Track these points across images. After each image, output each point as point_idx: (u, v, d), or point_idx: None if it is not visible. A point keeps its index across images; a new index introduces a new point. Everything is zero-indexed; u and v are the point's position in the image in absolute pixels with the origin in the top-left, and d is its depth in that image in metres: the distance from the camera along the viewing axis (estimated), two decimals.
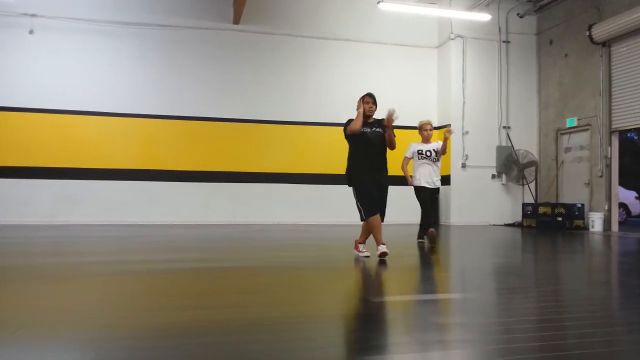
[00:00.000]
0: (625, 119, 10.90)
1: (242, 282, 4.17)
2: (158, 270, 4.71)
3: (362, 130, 5.41)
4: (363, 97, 5.56)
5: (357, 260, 5.28)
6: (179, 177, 11.75)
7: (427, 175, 6.88)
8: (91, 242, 7.34)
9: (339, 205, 11.06)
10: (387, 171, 5.54)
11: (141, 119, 11.65)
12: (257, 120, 12.26)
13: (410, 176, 6.96)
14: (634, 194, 17.56)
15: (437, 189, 7.04)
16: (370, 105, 5.51)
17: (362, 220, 5.44)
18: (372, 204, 5.30)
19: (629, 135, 28.42)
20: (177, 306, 3.13)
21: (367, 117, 5.51)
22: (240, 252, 6.44)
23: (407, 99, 13.00)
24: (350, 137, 5.50)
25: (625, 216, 16.53)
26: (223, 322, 2.70)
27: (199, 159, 11.92)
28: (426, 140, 7.03)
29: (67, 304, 3.19)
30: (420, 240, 6.98)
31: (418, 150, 6.95)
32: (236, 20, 12.01)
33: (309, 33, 12.65)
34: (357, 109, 5.49)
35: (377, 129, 5.50)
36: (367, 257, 5.34)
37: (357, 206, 5.42)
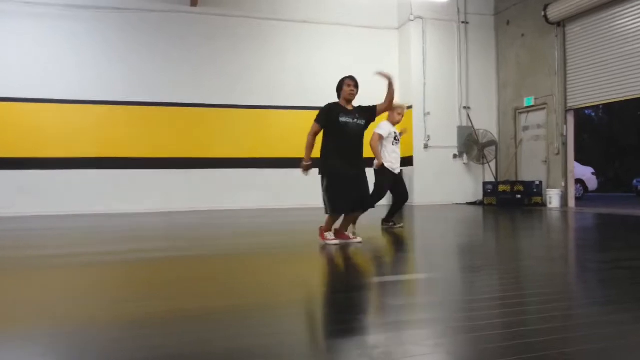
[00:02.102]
0: (579, 98, 11.18)
1: (202, 270, 4.12)
2: (117, 261, 4.60)
3: (342, 120, 4.97)
4: (344, 80, 5.14)
5: (322, 246, 5.18)
6: (138, 164, 11.50)
7: (399, 161, 6.78)
8: (51, 234, 7.12)
9: (303, 189, 11.04)
10: (363, 165, 5.15)
11: (99, 106, 11.32)
12: (214, 104, 12.07)
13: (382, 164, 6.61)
14: (590, 170, 18.09)
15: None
16: (352, 88, 5.10)
17: (326, 213, 5.09)
18: (341, 202, 4.97)
19: (587, 112, 29.27)
20: (136, 297, 3.07)
21: (347, 102, 5.13)
22: (201, 240, 6.36)
23: (368, 81, 13.00)
24: (328, 126, 5.02)
25: (582, 192, 17.05)
26: (183, 311, 2.65)
27: (159, 146, 11.69)
28: (396, 124, 6.78)
29: (23, 298, 3.08)
30: (389, 224, 6.93)
31: (394, 134, 6.66)
32: (194, 2, 11.74)
33: (267, 15, 12.47)
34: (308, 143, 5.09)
35: (359, 121, 5.07)
36: (337, 245, 5.05)
37: (324, 199, 5.04)
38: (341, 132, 5.00)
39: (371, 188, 5.56)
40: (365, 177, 5.17)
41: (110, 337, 2.27)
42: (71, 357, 2.04)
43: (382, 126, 6.68)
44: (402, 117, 6.86)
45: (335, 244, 5.07)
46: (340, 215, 5.14)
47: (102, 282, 3.68)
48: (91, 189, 11.13)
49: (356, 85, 5.16)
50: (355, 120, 5.07)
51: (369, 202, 5.33)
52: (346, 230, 5.31)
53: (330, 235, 5.16)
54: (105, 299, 3.08)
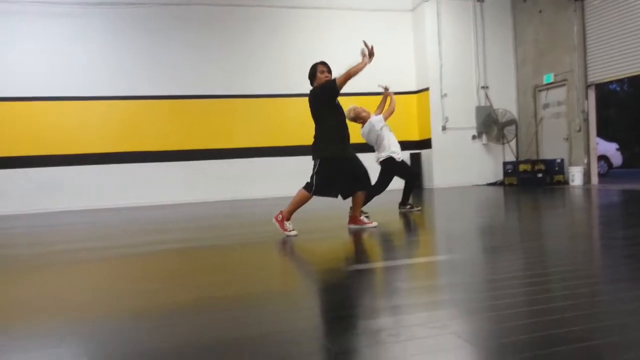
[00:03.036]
0: (600, 73, 10.95)
1: (216, 260, 4.19)
2: (136, 254, 4.71)
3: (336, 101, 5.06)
4: (316, 66, 5.11)
5: (350, 229, 5.20)
6: (154, 157, 11.69)
7: (399, 148, 6.76)
8: (69, 230, 7.30)
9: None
10: None
11: (114, 101, 11.51)
12: (230, 95, 12.14)
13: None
14: (615, 145, 17.74)
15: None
16: (326, 74, 5.07)
17: (307, 191, 5.03)
18: (329, 190, 5.04)
19: (612, 87, 28.59)
20: (154, 289, 3.15)
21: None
22: (216, 229, 6.45)
23: (383, 66, 12.92)
24: (331, 106, 5.02)
25: (607, 168, 16.75)
26: (200, 301, 2.72)
27: (175, 138, 11.84)
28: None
29: (42, 293, 3.19)
30: (406, 207, 6.94)
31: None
32: None
33: (280, 3, 12.45)
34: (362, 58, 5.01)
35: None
36: (295, 235, 4.96)
37: (313, 179, 5.03)
38: (339, 112, 5.10)
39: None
40: (358, 158, 5.24)
41: (129, 326, 2.35)
42: (89, 348, 2.12)
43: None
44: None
45: (295, 235, 4.98)
46: (322, 197, 5.11)
47: (120, 275, 3.78)
48: (110, 183, 11.35)
49: (329, 71, 5.13)
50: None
51: (368, 182, 5.33)
52: (360, 215, 5.35)
53: (289, 224, 5.06)
54: (125, 290, 3.17)
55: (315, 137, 5.10)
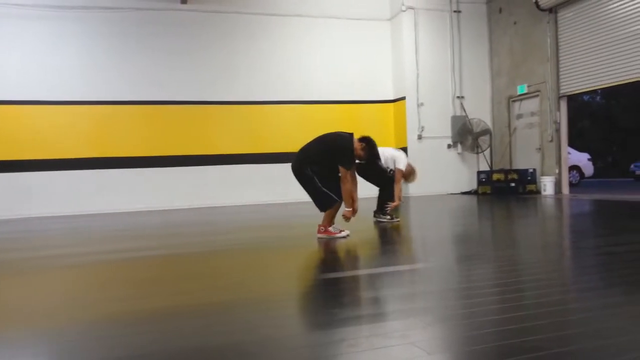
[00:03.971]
0: (572, 84, 11.17)
1: (194, 267, 4.16)
2: (112, 260, 4.65)
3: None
4: (371, 144, 5.42)
5: (319, 239, 5.22)
6: (130, 163, 11.53)
7: None
8: (47, 235, 7.18)
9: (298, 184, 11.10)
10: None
11: (92, 106, 11.34)
12: (210, 102, 12.10)
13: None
14: (586, 156, 18.09)
15: None
16: (359, 152, 5.38)
17: (324, 210, 5.27)
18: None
19: (585, 98, 29.20)
20: (124, 296, 3.11)
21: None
22: (196, 236, 6.41)
23: (361, 74, 13.06)
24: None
25: (578, 178, 17.07)
26: (170, 308, 2.70)
27: (154, 144, 11.72)
28: None
29: (20, 299, 3.13)
30: (387, 217, 6.92)
31: None
32: (184, 0, 11.73)
33: (259, 10, 12.46)
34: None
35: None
36: (348, 235, 5.24)
37: (320, 195, 5.21)
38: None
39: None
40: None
41: (96, 335, 2.32)
42: (55, 356, 2.08)
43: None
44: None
45: (347, 235, 5.23)
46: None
47: (92, 281, 3.73)
48: (84, 189, 11.16)
49: (364, 149, 5.44)
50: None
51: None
52: (330, 226, 5.35)
53: (334, 228, 5.28)
54: (96, 297, 3.12)
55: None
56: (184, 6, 11.83)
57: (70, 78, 11.21)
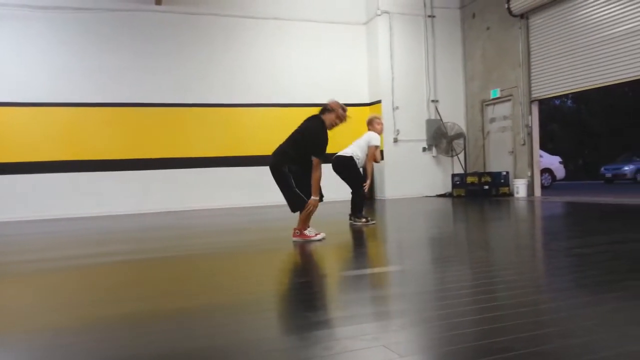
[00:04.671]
0: (543, 89, 11.38)
1: (167, 271, 4.11)
2: (82, 265, 4.55)
3: None
4: (339, 111, 5.34)
5: (294, 242, 5.20)
6: (103, 166, 11.35)
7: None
8: (16, 241, 7.01)
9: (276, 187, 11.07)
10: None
11: (62, 108, 11.13)
12: (185, 104, 12.00)
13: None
14: (558, 159, 18.44)
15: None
16: (337, 122, 5.36)
17: (296, 210, 5.25)
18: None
19: (556, 102, 29.79)
20: (91, 301, 3.05)
21: None
22: (170, 240, 6.33)
23: (337, 77, 13.10)
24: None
25: (550, 181, 17.39)
26: (142, 313, 2.65)
27: (127, 147, 11.56)
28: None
29: None
30: (363, 220, 6.86)
31: None
32: (158, 1, 11.61)
33: (235, 12, 12.41)
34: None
35: None
36: (324, 238, 5.27)
37: (294, 195, 5.15)
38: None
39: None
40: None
41: (62, 343, 2.26)
42: None
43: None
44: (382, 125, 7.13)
45: (322, 238, 5.26)
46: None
47: (63, 287, 3.65)
48: (59, 192, 10.95)
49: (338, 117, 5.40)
50: None
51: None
52: (305, 229, 5.34)
53: (310, 231, 5.28)
54: (64, 303, 3.06)
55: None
56: (159, 7, 11.72)
57: (40, 79, 10.99)
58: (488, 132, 12.97)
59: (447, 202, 10.98)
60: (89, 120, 11.31)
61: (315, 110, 5.38)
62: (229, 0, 12.40)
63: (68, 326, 2.53)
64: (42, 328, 2.52)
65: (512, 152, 12.11)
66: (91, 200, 11.15)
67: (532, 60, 11.57)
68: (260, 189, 11.83)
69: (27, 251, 5.81)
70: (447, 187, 13.06)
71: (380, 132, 7.01)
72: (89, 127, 11.30)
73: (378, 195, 13.10)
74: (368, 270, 3.83)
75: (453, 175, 12.73)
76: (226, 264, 4.39)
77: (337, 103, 5.37)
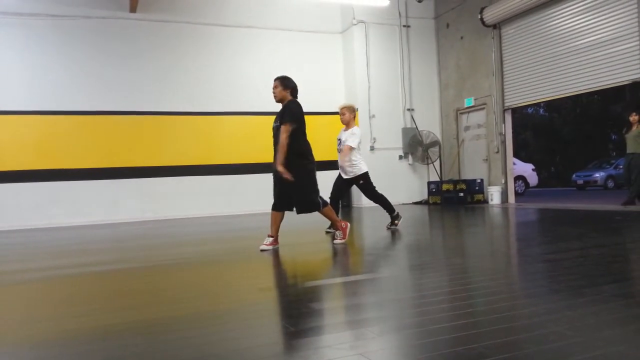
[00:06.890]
0: (516, 97, 11.60)
1: (142, 281, 4.04)
2: (50, 277, 4.45)
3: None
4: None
5: (267, 251, 5.17)
6: (80, 175, 11.17)
7: (340, 165, 6.81)
8: None
9: (251, 195, 11.04)
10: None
11: (35, 116, 10.94)
12: (159, 112, 11.90)
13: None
14: (531, 166, 18.79)
15: (353, 179, 6.81)
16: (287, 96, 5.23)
17: (317, 210, 5.34)
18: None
19: (529, 110, 30.36)
20: (59, 314, 2.98)
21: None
22: (146, 250, 6.24)
23: (314, 86, 13.13)
24: (302, 125, 5.17)
25: (524, 188, 17.69)
26: (117, 325, 2.60)
27: (101, 156, 11.40)
28: (345, 125, 6.81)
29: None
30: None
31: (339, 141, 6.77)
32: (132, 8, 11.52)
33: (210, 20, 12.39)
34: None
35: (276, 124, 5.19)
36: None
37: (311, 196, 5.21)
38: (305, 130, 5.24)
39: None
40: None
41: (43, 355, 2.20)
42: None
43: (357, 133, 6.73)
44: (342, 116, 6.79)
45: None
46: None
47: (37, 299, 3.56)
48: (29, 202, 10.74)
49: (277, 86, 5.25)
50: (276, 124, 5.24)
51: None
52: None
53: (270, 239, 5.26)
54: (43, 316, 2.98)
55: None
56: (133, 15, 11.63)
57: (12, 87, 10.79)
58: (463, 140, 13.14)
59: (423, 209, 11.07)
60: (61, 129, 11.13)
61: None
62: (203, 8, 12.37)
63: (46, 339, 2.47)
64: (20, 342, 2.45)
65: (487, 159, 12.28)
66: (62, 210, 10.95)
67: (504, 69, 11.79)
68: (234, 197, 11.81)
69: (2, 262, 5.66)
70: (423, 195, 13.17)
71: (345, 123, 6.79)
72: (61, 136, 11.12)
73: (355, 203, 13.14)
74: (344, 278, 3.83)
75: (429, 183, 12.85)
76: (199, 274, 4.34)
77: None
